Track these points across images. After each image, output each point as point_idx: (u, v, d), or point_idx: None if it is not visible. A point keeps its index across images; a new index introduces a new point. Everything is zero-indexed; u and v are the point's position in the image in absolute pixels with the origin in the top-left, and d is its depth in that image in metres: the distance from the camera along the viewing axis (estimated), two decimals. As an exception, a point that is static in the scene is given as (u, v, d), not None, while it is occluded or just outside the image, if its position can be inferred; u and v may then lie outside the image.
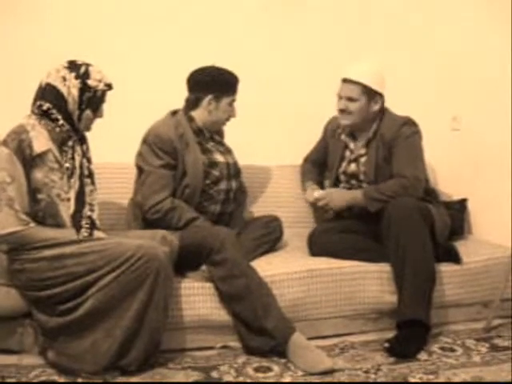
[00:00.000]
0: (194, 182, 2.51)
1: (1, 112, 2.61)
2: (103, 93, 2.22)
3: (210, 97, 2.53)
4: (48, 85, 2.16)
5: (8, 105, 2.63)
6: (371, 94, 2.66)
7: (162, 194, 2.47)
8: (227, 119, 2.62)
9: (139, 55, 3.03)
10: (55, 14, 2.96)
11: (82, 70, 2.17)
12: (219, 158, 2.62)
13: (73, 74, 2.16)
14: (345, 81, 2.67)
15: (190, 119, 2.58)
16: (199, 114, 2.57)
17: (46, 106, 2.15)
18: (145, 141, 2.54)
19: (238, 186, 2.70)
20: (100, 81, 2.19)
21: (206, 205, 2.56)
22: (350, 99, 2.66)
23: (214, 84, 2.52)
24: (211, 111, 2.55)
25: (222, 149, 2.67)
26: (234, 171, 2.67)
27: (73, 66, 2.18)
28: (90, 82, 2.17)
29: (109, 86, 2.23)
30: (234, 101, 2.58)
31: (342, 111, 2.70)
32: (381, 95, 2.68)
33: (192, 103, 2.58)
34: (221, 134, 2.75)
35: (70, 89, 2.15)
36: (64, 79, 2.16)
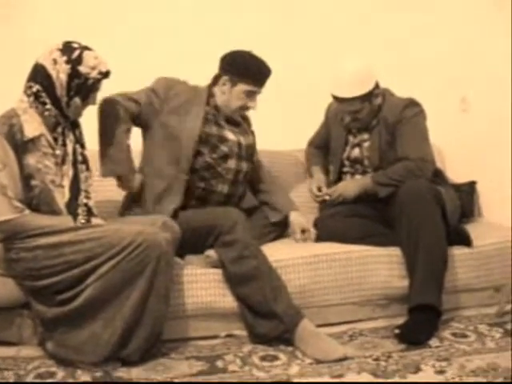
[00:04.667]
0: (184, 150, 2.44)
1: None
2: (96, 81, 2.10)
3: (226, 77, 2.49)
4: (39, 66, 2.06)
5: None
6: (370, 95, 2.59)
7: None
8: (242, 108, 2.54)
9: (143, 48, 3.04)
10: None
11: (75, 54, 2.05)
12: (230, 135, 2.54)
13: (64, 58, 2.04)
14: (339, 99, 2.59)
15: (211, 94, 2.54)
16: (217, 92, 2.53)
17: (36, 87, 2.05)
18: None
19: (249, 169, 2.62)
20: (94, 68, 2.06)
21: (213, 183, 2.48)
22: (355, 112, 2.61)
23: (234, 67, 2.47)
24: (224, 93, 2.50)
25: (236, 129, 2.60)
26: (247, 153, 2.59)
27: (67, 48, 2.06)
28: (82, 69, 2.05)
29: (104, 75, 2.09)
30: (253, 92, 2.49)
31: (351, 122, 2.65)
32: (377, 86, 2.61)
33: (214, 79, 2.55)
34: (244, 116, 2.68)
35: (59, 73, 2.04)
36: (55, 62, 2.04)
